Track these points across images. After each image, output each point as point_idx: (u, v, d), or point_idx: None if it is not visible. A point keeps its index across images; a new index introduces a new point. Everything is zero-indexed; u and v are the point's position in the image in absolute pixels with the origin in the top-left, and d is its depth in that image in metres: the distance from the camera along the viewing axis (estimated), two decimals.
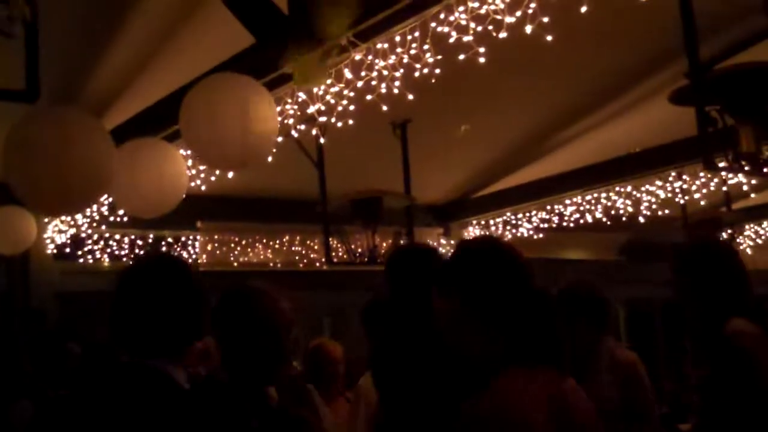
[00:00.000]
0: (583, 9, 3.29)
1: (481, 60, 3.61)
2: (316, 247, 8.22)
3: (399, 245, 6.18)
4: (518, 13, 3.43)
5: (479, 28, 3.53)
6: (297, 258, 8.28)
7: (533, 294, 1.92)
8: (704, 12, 4.21)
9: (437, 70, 3.88)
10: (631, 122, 6.26)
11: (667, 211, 7.77)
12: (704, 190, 7.38)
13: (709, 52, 5.11)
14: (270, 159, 4.43)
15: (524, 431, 1.71)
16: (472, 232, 8.35)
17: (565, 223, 8.04)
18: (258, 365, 2.41)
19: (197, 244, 8.12)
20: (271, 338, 2.41)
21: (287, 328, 2.46)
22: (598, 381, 3.55)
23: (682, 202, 7.32)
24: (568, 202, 7.67)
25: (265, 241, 8.27)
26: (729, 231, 8.84)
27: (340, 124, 4.45)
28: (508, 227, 8.25)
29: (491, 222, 8.21)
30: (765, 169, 4.82)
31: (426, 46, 3.76)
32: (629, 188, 7.33)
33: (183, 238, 8.07)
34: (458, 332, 1.91)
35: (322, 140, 4.85)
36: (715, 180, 7.16)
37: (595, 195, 7.48)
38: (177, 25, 4.78)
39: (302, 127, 4.77)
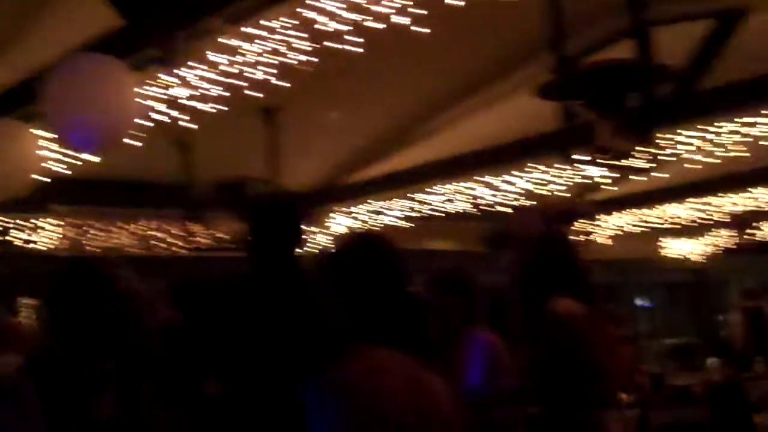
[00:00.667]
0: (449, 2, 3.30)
1: (351, 48, 3.59)
2: (177, 233, 8.02)
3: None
4: (389, 3, 3.42)
5: (350, 16, 3.51)
6: (156, 243, 8.05)
7: (402, 288, 1.97)
8: (571, 8, 4.32)
9: (307, 57, 3.84)
10: (497, 114, 6.38)
11: (526, 202, 7.97)
12: (561, 181, 7.62)
13: (572, 48, 5.26)
14: (133, 142, 4.28)
15: (380, 398, 1.73)
16: (338, 219, 8.33)
17: (428, 212, 8.13)
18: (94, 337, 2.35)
19: (50, 227, 7.78)
20: (108, 308, 2.37)
21: (128, 298, 2.43)
22: (462, 367, 3.62)
23: (542, 193, 7.52)
24: (432, 191, 7.75)
25: (122, 225, 8.01)
26: (584, 221, 9.20)
27: (207, 109, 4.35)
28: (374, 215, 8.27)
29: (357, 210, 8.21)
30: (619, 164, 5.01)
31: (297, 33, 3.72)
32: (492, 179, 7.47)
33: (35, 222, 7.71)
34: (327, 304, 1.97)
35: (186, 124, 4.73)
36: (574, 172, 7.39)
37: (460, 185, 7.59)
38: (37, 3, 4.54)
39: (167, 110, 4.64)
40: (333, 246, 2.24)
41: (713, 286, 14.48)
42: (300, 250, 2.90)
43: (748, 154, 7.13)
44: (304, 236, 2.97)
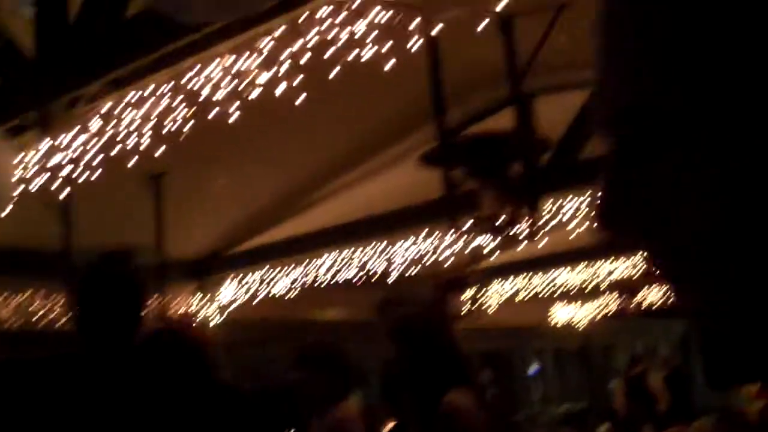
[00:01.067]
0: (333, 74, 3.36)
1: (234, 116, 3.59)
2: (57, 305, 7.74)
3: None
4: (272, 72, 3.46)
5: (233, 84, 3.52)
6: (36, 317, 7.75)
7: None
8: (451, 79, 4.44)
9: (190, 124, 3.83)
10: (385, 182, 6.45)
11: (416, 270, 8.04)
12: (452, 249, 7.71)
13: (456, 117, 5.38)
14: (11, 209, 4.16)
15: None
16: (228, 288, 8.21)
17: (320, 281, 8.10)
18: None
19: None
20: None
21: None
22: None
23: (431, 260, 7.60)
24: (323, 259, 7.74)
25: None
26: (473, 289, 9.32)
27: (88, 176, 4.26)
28: (264, 284, 8.19)
29: (247, 278, 8.12)
30: (504, 232, 5.12)
31: (179, 99, 3.70)
32: (382, 247, 7.52)
33: None
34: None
35: (66, 193, 4.62)
36: (462, 240, 7.50)
37: (350, 253, 7.61)
38: None
39: (47, 177, 4.53)
40: (141, 339, 2.17)
41: (601, 351, 14.81)
42: (139, 326, 2.50)
43: None
44: (143, 310, 2.54)
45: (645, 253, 0.54)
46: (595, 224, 0.54)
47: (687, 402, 12.28)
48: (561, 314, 13.49)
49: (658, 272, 0.53)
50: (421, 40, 3.68)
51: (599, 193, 0.54)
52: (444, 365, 2.96)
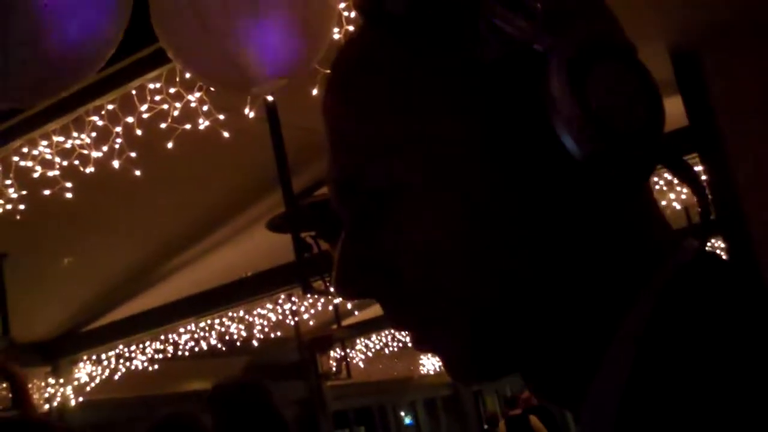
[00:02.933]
0: (169, 145, 3.32)
1: (68, 195, 3.49)
2: None
3: None
4: (105, 148, 3.39)
5: (65, 163, 3.43)
6: None
7: None
8: (296, 144, 4.45)
9: (22, 206, 3.69)
10: (238, 249, 6.39)
11: (279, 333, 7.97)
12: (313, 311, 7.70)
13: (304, 182, 5.40)
14: None
15: None
16: (84, 368, 7.91)
17: (180, 353, 7.92)
18: None
19: None
20: None
21: None
22: None
23: (293, 323, 7.56)
24: (182, 330, 7.58)
25: None
26: (340, 346, 9.30)
27: None
28: (122, 360, 7.93)
29: (103, 356, 7.85)
30: None
31: (9, 181, 3.58)
32: (242, 313, 7.43)
33: None
34: None
35: None
36: (322, 300, 7.50)
37: (209, 322, 7.48)
38: None
39: None
40: None
41: (470, 397, 15.00)
42: None
43: None
44: None
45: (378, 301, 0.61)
46: (335, 289, 0.61)
47: None
48: (429, 364, 13.62)
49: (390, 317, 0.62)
50: (261, 107, 3.70)
51: (336, 261, 0.61)
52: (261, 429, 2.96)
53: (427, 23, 0.59)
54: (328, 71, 0.65)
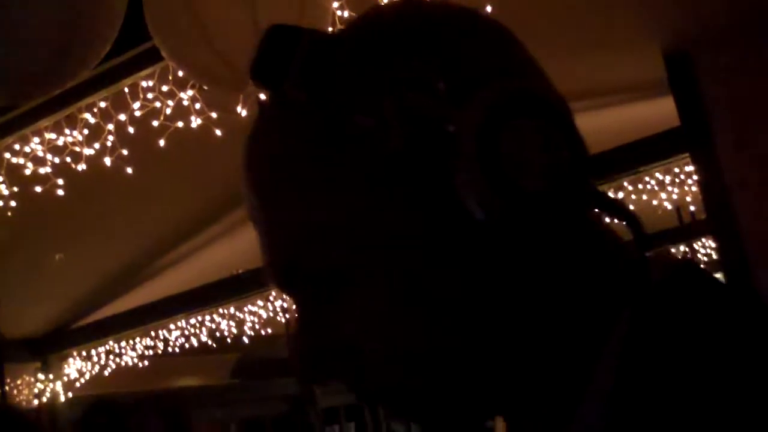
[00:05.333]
0: (162, 143, 3.32)
1: (60, 192, 3.48)
2: None
3: None
4: (97, 146, 3.38)
5: (57, 160, 3.42)
6: None
7: None
8: None
9: (13, 203, 3.68)
10: (231, 246, 6.38)
11: (270, 330, 7.96)
12: None
13: None
14: None
15: None
16: (73, 364, 7.89)
17: (170, 349, 7.91)
18: None
19: None
20: None
21: None
22: None
23: (283, 320, 7.55)
24: (172, 327, 7.56)
25: None
26: None
27: None
28: (112, 356, 7.92)
29: (93, 352, 7.83)
30: None
31: (0, 178, 3.57)
32: (232, 309, 7.42)
33: None
34: None
35: None
36: None
37: (200, 318, 7.46)
38: None
39: None
40: None
41: None
42: None
43: None
44: None
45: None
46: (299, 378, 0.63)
47: None
48: None
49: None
50: (253, 106, 3.69)
51: (294, 352, 0.63)
52: None
53: (331, 111, 0.59)
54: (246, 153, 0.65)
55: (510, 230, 0.56)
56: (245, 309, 7.53)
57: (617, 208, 0.60)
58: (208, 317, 7.48)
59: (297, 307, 0.63)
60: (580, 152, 0.57)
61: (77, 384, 7.88)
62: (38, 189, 3.46)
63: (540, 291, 0.59)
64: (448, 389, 0.60)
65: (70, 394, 7.66)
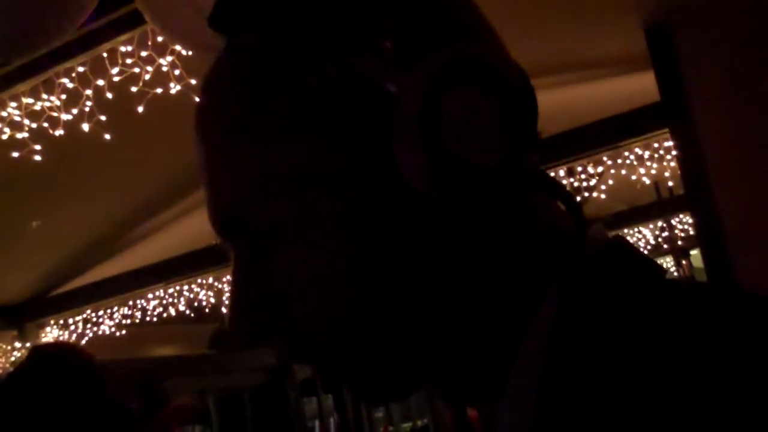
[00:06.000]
0: (140, 109, 3.29)
1: (37, 158, 3.45)
2: None
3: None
4: (75, 111, 3.35)
5: (34, 125, 3.39)
6: None
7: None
8: None
9: None
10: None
11: None
12: None
13: None
14: None
15: None
16: (50, 332, 7.87)
17: (148, 318, 7.90)
18: None
19: None
20: None
21: None
22: None
23: None
24: (150, 296, 7.55)
25: None
26: None
27: None
28: (89, 325, 7.89)
29: (70, 321, 7.81)
30: None
31: None
32: (211, 279, 7.41)
33: None
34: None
35: None
36: None
37: (178, 288, 7.45)
38: None
39: None
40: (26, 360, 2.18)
41: None
42: None
43: None
44: None
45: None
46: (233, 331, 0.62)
47: None
48: None
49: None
50: None
51: (230, 305, 0.63)
52: None
53: (279, 63, 0.59)
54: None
55: (444, 199, 0.56)
56: (224, 279, 7.52)
57: (556, 189, 0.60)
58: (186, 287, 7.47)
59: (234, 260, 0.63)
60: (527, 129, 0.56)
61: None
62: (15, 154, 3.43)
63: (470, 262, 0.59)
64: (375, 353, 0.60)
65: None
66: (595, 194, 5.91)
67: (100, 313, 7.78)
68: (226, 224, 0.63)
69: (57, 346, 2.93)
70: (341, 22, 0.57)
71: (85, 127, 3.32)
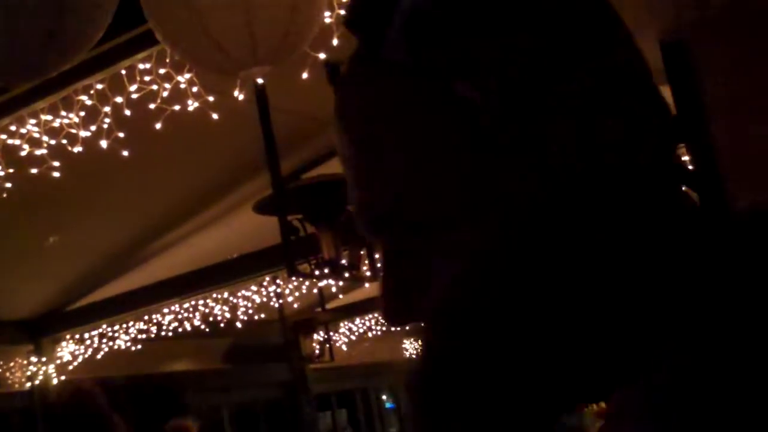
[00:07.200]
0: (158, 126, 3.31)
1: (56, 174, 3.48)
2: None
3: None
4: (93, 128, 3.38)
5: (53, 142, 3.41)
6: None
7: None
8: (285, 127, 4.44)
9: (9, 184, 3.68)
10: (224, 231, 6.37)
11: (263, 315, 7.96)
12: (297, 293, 7.70)
13: (291, 165, 5.38)
14: None
15: None
16: (66, 347, 7.89)
17: (164, 333, 7.91)
18: None
19: None
20: None
21: None
22: None
23: (277, 305, 7.55)
24: (166, 311, 7.56)
25: None
26: (324, 330, 9.32)
27: None
28: (105, 340, 7.92)
29: (86, 336, 7.83)
30: (345, 274, 5.15)
31: None
32: (226, 294, 7.42)
33: None
34: None
35: None
36: (307, 283, 7.50)
37: (193, 303, 7.46)
38: None
39: None
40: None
41: None
42: None
43: None
44: None
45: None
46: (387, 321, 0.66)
47: None
48: (412, 348, 13.64)
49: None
50: (250, 90, 3.69)
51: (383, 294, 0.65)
52: None
53: (431, 71, 0.60)
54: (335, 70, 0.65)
55: (593, 206, 0.58)
56: (239, 294, 7.53)
57: (698, 180, 0.63)
58: (201, 302, 7.48)
59: (382, 253, 0.66)
60: (669, 126, 0.60)
61: (70, 367, 7.88)
62: (34, 171, 3.46)
63: (615, 263, 0.60)
64: (512, 354, 0.60)
65: (62, 378, 7.66)
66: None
67: (116, 327, 7.81)
68: (378, 221, 0.65)
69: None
70: (497, 33, 0.59)
71: (104, 143, 3.34)
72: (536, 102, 0.58)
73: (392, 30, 0.61)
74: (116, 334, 7.89)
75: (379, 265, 0.67)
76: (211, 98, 3.46)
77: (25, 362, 7.71)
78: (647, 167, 0.58)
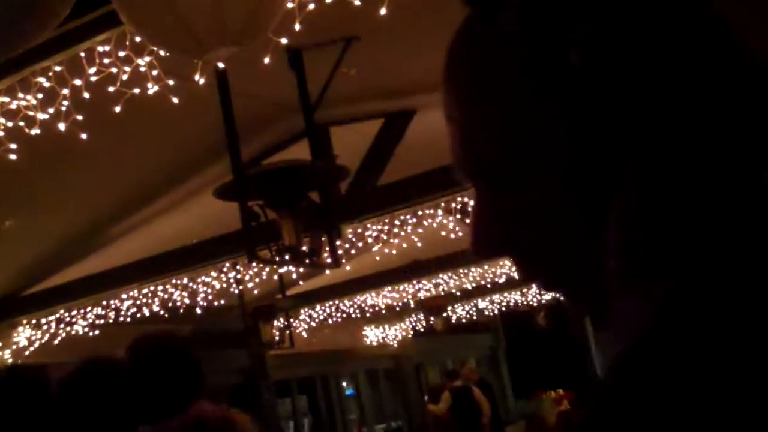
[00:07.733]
0: (117, 109, 3.29)
1: (12, 157, 3.44)
2: None
3: None
4: (51, 110, 3.34)
5: (10, 124, 3.37)
6: None
7: None
8: (246, 112, 4.43)
9: None
10: (184, 216, 6.34)
11: (223, 301, 7.94)
12: (257, 280, 7.68)
13: (252, 150, 5.36)
14: None
15: None
16: (23, 332, 7.80)
17: (122, 319, 7.85)
18: None
19: None
20: None
21: None
22: None
23: (237, 291, 7.53)
24: (124, 296, 7.50)
25: None
26: (284, 316, 9.32)
27: None
28: (62, 325, 7.84)
29: (43, 321, 7.74)
30: (306, 260, 5.15)
31: None
32: (185, 280, 7.37)
33: None
34: None
35: None
36: (267, 269, 7.48)
37: (152, 288, 7.41)
38: None
39: None
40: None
41: (412, 369, 15.13)
42: None
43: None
44: None
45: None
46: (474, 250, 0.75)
47: (497, 412, 12.79)
48: (372, 335, 13.69)
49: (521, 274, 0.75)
50: (211, 74, 3.67)
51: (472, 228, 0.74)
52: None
53: (541, 40, 0.67)
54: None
55: (690, 171, 0.60)
56: (198, 280, 7.50)
57: None
58: (160, 287, 7.43)
59: (477, 195, 0.74)
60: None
61: (26, 352, 7.80)
62: None
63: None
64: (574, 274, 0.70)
65: (18, 363, 7.58)
66: None
67: (74, 312, 7.72)
68: (475, 169, 0.73)
69: None
70: (605, 8, 0.64)
71: (62, 126, 3.31)
72: (637, 76, 0.62)
73: (510, 2, 0.68)
74: (74, 320, 7.81)
75: (472, 204, 0.76)
76: (171, 82, 3.43)
77: None
78: (742, 139, 0.60)
